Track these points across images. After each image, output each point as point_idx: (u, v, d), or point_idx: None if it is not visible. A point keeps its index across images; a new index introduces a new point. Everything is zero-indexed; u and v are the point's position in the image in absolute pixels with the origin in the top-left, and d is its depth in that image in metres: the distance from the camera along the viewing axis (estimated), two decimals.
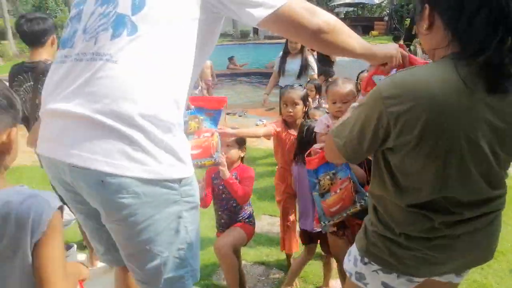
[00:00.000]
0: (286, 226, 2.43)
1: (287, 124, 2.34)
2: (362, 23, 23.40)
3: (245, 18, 1.06)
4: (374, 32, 22.13)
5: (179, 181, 1.08)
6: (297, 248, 2.48)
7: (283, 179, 2.42)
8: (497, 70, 0.85)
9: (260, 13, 1.02)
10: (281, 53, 4.32)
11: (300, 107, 2.28)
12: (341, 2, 25.93)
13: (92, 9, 1.06)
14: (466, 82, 0.85)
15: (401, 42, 7.72)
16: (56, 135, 1.04)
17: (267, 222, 3.22)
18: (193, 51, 1.08)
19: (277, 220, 2.91)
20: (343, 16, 28.76)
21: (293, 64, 4.19)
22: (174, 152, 1.05)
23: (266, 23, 1.05)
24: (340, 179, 1.73)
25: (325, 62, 6.44)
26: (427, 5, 0.96)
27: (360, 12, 29.14)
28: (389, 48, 1.25)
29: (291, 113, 2.27)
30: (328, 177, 1.74)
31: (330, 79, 4.38)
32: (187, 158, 1.11)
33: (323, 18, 1.07)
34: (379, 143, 0.97)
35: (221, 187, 2.15)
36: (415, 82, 0.88)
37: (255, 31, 25.51)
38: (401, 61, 1.25)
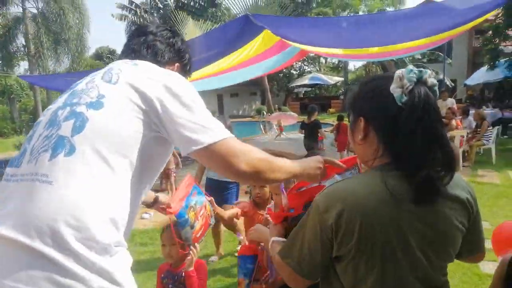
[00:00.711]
0: None
1: (257, 204, 2.58)
2: (319, 102, 25.09)
3: (178, 145, 1.11)
4: (331, 110, 23.75)
5: None
6: None
7: None
8: (428, 184, 0.89)
9: (190, 145, 1.08)
10: None
11: (267, 189, 2.55)
12: (299, 84, 27.77)
13: (41, 131, 1.09)
14: (394, 193, 0.89)
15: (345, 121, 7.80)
16: None
17: None
18: (132, 170, 1.09)
19: None
20: (302, 96, 30.88)
21: None
22: (108, 275, 0.99)
23: (195, 155, 1.10)
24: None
25: (312, 138, 6.32)
26: (362, 118, 0.98)
27: (318, 92, 31.34)
28: (312, 166, 1.27)
29: (259, 195, 2.55)
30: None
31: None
32: (123, 279, 1.04)
33: (248, 161, 1.11)
34: (331, 252, 0.97)
35: (170, 286, 2.10)
36: (346, 196, 0.92)
37: (221, 111, 26.12)
38: (324, 173, 1.29)
